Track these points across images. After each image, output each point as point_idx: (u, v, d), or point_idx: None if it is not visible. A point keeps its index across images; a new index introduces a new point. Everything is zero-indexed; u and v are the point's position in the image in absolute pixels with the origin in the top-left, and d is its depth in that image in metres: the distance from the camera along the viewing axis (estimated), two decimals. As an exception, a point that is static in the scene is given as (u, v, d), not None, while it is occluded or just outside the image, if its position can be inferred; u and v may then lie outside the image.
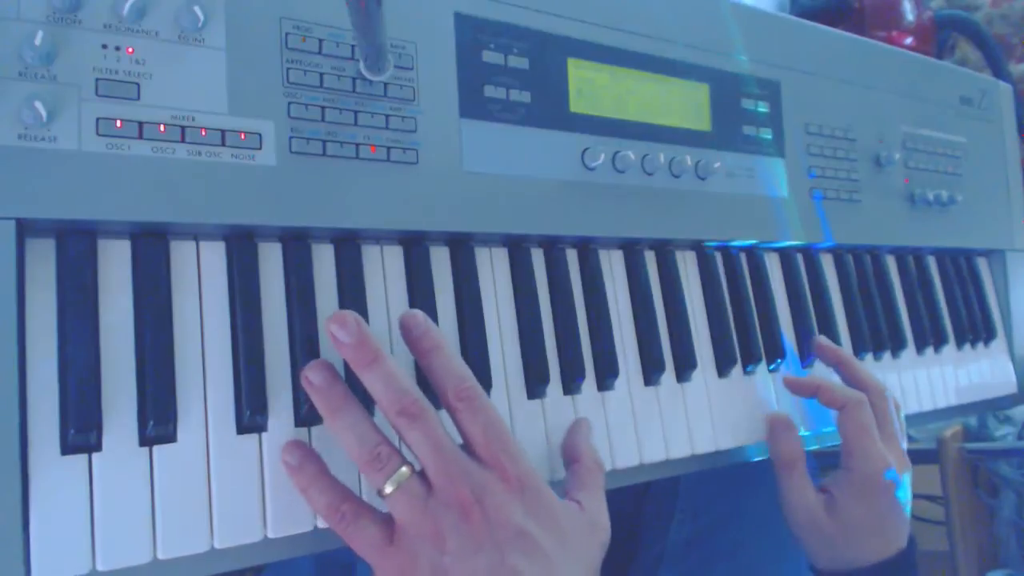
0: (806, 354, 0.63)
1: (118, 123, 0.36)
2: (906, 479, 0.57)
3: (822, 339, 0.63)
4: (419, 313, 0.42)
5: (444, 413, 0.41)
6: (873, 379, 0.60)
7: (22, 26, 0.35)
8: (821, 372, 0.64)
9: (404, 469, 0.38)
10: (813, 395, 0.59)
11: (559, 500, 0.41)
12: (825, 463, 0.68)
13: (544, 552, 0.38)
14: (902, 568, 0.55)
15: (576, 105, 0.52)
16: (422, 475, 0.38)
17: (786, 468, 0.57)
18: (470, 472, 0.38)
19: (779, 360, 0.61)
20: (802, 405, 0.62)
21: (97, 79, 0.36)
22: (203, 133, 0.38)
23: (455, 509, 0.37)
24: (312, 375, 0.39)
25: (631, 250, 0.56)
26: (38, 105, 0.34)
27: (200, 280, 0.40)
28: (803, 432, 0.62)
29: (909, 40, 1.02)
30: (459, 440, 0.41)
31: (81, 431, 0.35)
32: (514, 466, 0.39)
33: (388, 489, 0.38)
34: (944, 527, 1.23)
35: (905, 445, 0.59)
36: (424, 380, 0.42)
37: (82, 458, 0.35)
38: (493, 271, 0.49)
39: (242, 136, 0.40)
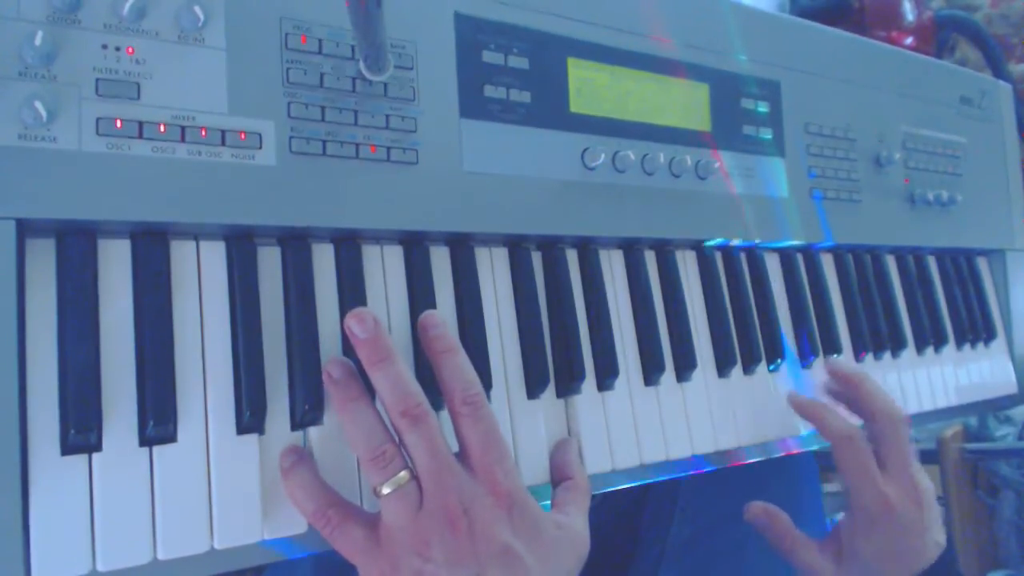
0: (806, 354, 0.63)
1: (118, 123, 0.36)
2: (929, 499, 0.55)
3: (832, 363, 0.60)
4: (438, 314, 0.43)
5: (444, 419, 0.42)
6: (886, 405, 0.56)
7: (22, 26, 0.35)
8: (819, 377, 0.64)
9: (403, 473, 0.38)
10: (811, 422, 0.58)
11: (546, 515, 0.42)
12: (826, 464, 0.68)
13: (525, 569, 0.39)
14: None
15: (576, 105, 0.52)
16: (419, 481, 0.39)
17: (788, 552, 0.57)
18: (461, 483, 0.39)
19: (779, 360, 0.61)
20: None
21: (97, 79, 0.36)
22: (203, 133, 0.38)
23: (443, 518, 0.38)
24: (332, 369, 0.40)
25: (631, 250, 0.56)
26: (38, 105, 0.34)
27: (200, 280, 0.40)
28: (804, 432, 0.62)
29: (909, 40, 1.02)
30: (456, 447, 0.41)
31: (81, 431, 0.35)
32: (506, 480, 0.40)
33: (385, 491, 0.38)
34: (944, 527, 1.23)
35: (915, 471, 0.56)
36: (425, 383, 0.42)
37: (82, 458, 0.35)
38: (493, 271, 0.49)
39: (242, 136, 0.40)
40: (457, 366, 0.41)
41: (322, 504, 0.39)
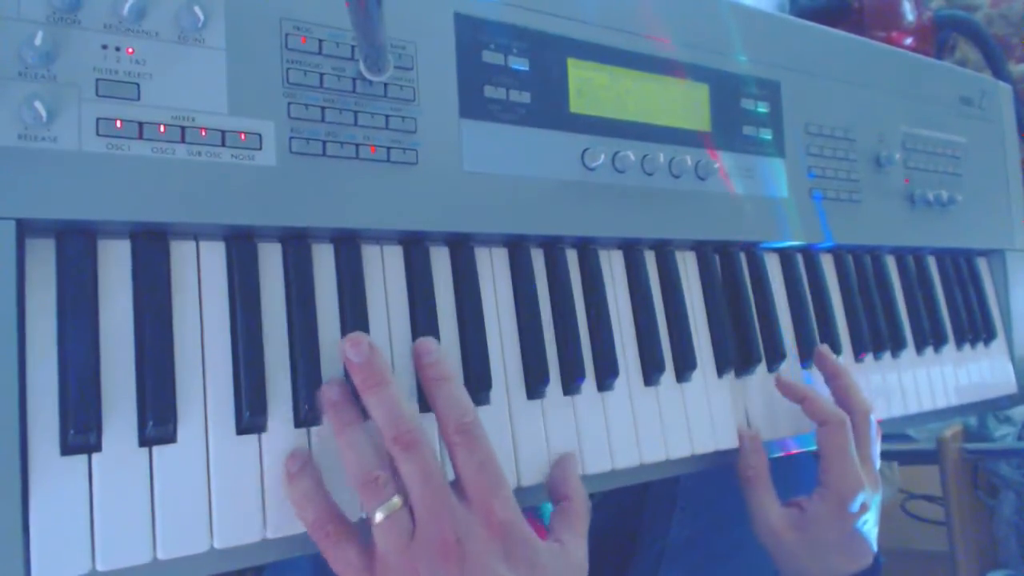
0: (806, 355, 0.63)
1: (118, 123, 0.36)
2: (876, 500, 0.58)
3: (823, 348, 0.63)
4: (433, 341, 0.43)
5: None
6: (861, 399, 0.60)
7: (22, 26, 0.35)
8: (818, 377, 0.64)
9: (396, 499, 0.38)
10: (799, 403, 0.59)
11: (541, 544, 0.41)
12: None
13: None
14: None
15: (576, 105, 0.52)
16: (412, 509, 0.38)
17: (746, 483, 0.57)
18: (455, 512, 0.38)
19: (779, 360, 0.61)
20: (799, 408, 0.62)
21: (97, 79, 0.36)
22: (203, 133, 0.38)
23: (435, 548, 0.37)
24: (330, 391, 0.40)
25: (631, 250, 0.56)
26: (38, 105, 0.34)
27: (200, 280, 0.40)
28: (804, 433, 0.62)
29: (909, 40, 1.02)
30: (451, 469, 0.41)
31: (81, 431, 0.35)
32: (502, 510, 0.39)
33: (378, 517, 0.37)
34: (944, 527, 1.23)
35: (878, 467, 0.60)
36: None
37: (82, 458, 0.35)
38: (493, 271, 0.49)
39: (242, 136, 0.40)
40: (451, 394, 0.41)
41: (323, 516, 0.38)
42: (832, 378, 0.62)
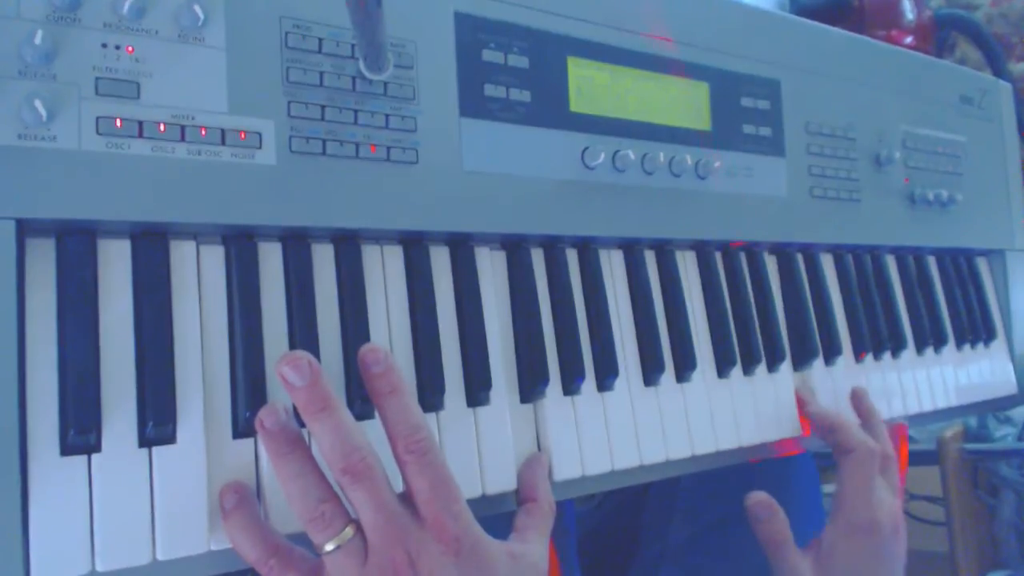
0: (806, 355, 0.63)
1: (118, 122, 0.36)
2: (904, 535, 0.57)
3: (859, 390, 0.64)
4: (381, 349, 0.39)
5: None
6: (886, 442, 0.59)
7: (22, 25, 0.35)
8: (818, 378, 0.64)
9: (347, 529, 0.37)
10: (829, 434, 0.58)
11: (499, 552, 0.40)
12: (825, 464, 0.68)
13: None
14: None
15: (576, 104, 0.52)
16: (363, 533, 0.37)
17: (774, 548, 0.57)
18: (408, 533, 0.37)
19: (779, 361, 0.61)
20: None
21: (97, 78, 0.36)
22: (203, 132, 0.38)
23: (389, 571, 0.36)
24: (265, 418, 0.37)
25: (631, 250, 0.56)
26: (38, 104, 0.34)
27: (200, 280, 0.40)
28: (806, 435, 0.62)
29: (909, 39, 1.02)
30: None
31: (81, 432, 0.35)
32: (455, 525, 0.38)
33: (328, 547, 0.36)
34: (944, 527, 1.23)
35: (899, 505, 0.59)
36: (423, 380, 0.42)
37: (81, 459, 0.35)
38: (493, 271, 0.49)
39: (242, 135, 0.39)
40: (402, 409, 0.38)
41: (263, 553, 0.37)
42: (866, 418, 0.62)
